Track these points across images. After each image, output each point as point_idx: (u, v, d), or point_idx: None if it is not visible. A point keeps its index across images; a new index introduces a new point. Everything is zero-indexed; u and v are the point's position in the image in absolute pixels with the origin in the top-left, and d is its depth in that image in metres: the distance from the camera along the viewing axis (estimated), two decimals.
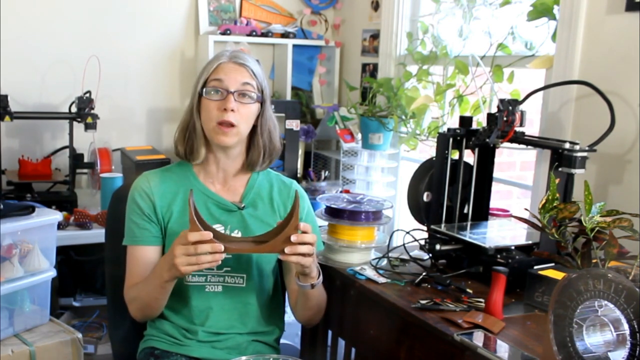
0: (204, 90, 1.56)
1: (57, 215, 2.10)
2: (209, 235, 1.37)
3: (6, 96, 2.51)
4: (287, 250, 1.40)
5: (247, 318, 1.65)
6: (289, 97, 3.32)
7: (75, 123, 2.67)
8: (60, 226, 2.37)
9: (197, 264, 1.38)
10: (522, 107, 1.89)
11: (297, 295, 1.64)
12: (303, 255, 1.42)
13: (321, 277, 1.58)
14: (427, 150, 2.68)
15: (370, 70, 3.13)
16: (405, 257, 1.93)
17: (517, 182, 2.55)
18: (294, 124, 2.84)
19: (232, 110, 1.54)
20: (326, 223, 1.92)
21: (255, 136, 1.63)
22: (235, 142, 1.59)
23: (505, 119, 1.86)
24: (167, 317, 1.64)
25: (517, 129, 1.88)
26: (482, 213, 2.05)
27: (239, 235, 1.61)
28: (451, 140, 1.97)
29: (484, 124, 1.96)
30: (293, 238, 1.39)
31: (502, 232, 1.98)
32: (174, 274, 1.43)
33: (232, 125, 1.55)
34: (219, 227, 1.60)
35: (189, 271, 1.40)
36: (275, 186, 1.71)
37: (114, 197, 1.79)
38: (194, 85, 1.61)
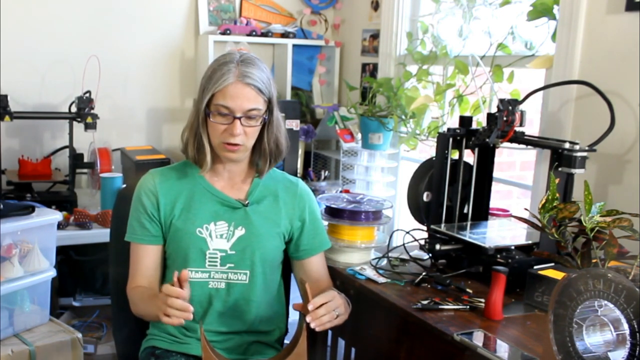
0: (209, 111, 1.55)
1: (57, 215, 2.10)
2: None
3: (6, 96, 2.51)
4: (312, 324, 1.43)
5: (248, 316, 1.64)
6: (289, 97, 3.32)
7: (75, 123, 2.67)
8: (60, 226, 2.36)
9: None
10: (522, 107, 1.89)
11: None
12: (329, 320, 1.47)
13: (348, 306, 1.60)
14: (427, 150, 2.68)
15: (370, 70, 3.13)
16: (405, 257, 1.93)
17: (517, 182, 2.55)
18: (294, 124, 2.84)
19: (239, 134, 1.55)
20: (326, 223, 1.92)
21: (262, 143, 1.62)
22: (242, 157, 1.62)
23: (505, 118, 1.86)
24: None
25: (517, 128, 1.88)
26: (482, 213, 2.05)
27: (243, 232, 1.62)
28: (451, 140, 1.97)
29: (484, 123, 1.96)
30: (308, 318, 1.43)
31: (502, 232, 1.98)
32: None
33: (239, 144, 1.57)
34: (222, 225, 1.61)
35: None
36: (281, 184, 1.71)
37: (118, 197, 1.79)
38: (199, 93, 1.58)
